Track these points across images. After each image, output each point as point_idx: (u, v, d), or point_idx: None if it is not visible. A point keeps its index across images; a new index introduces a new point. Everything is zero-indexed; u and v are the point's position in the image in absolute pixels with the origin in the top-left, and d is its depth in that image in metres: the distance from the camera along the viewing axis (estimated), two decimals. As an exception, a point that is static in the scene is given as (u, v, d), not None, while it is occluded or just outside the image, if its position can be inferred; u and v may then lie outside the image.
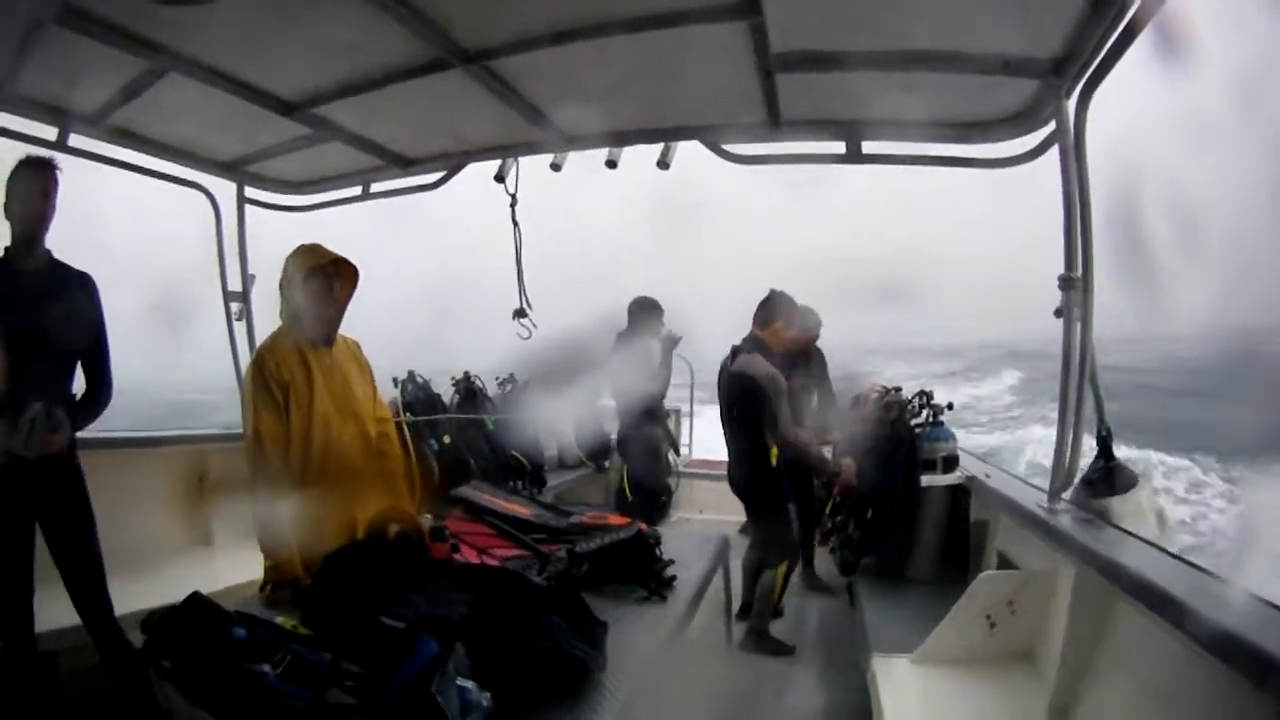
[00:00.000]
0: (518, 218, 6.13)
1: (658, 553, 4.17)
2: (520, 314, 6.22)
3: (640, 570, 4.05)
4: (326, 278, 4.22)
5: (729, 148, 5.29)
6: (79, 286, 4.02)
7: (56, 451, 3.73)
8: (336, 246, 4.26)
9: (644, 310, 7.44)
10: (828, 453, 6.61)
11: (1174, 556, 3.46)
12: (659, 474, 8.03)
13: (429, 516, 4.23)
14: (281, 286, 4.25)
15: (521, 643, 2.92)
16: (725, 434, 6.41)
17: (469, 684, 2.61)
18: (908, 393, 6.53)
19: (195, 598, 2.85)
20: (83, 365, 4.04)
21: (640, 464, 7.86)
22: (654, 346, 7.52)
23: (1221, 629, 2.46)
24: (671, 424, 9.72)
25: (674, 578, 4.14)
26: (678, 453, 9.55)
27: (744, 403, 6.00)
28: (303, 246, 4.24)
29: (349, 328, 4.47)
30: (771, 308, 6.24)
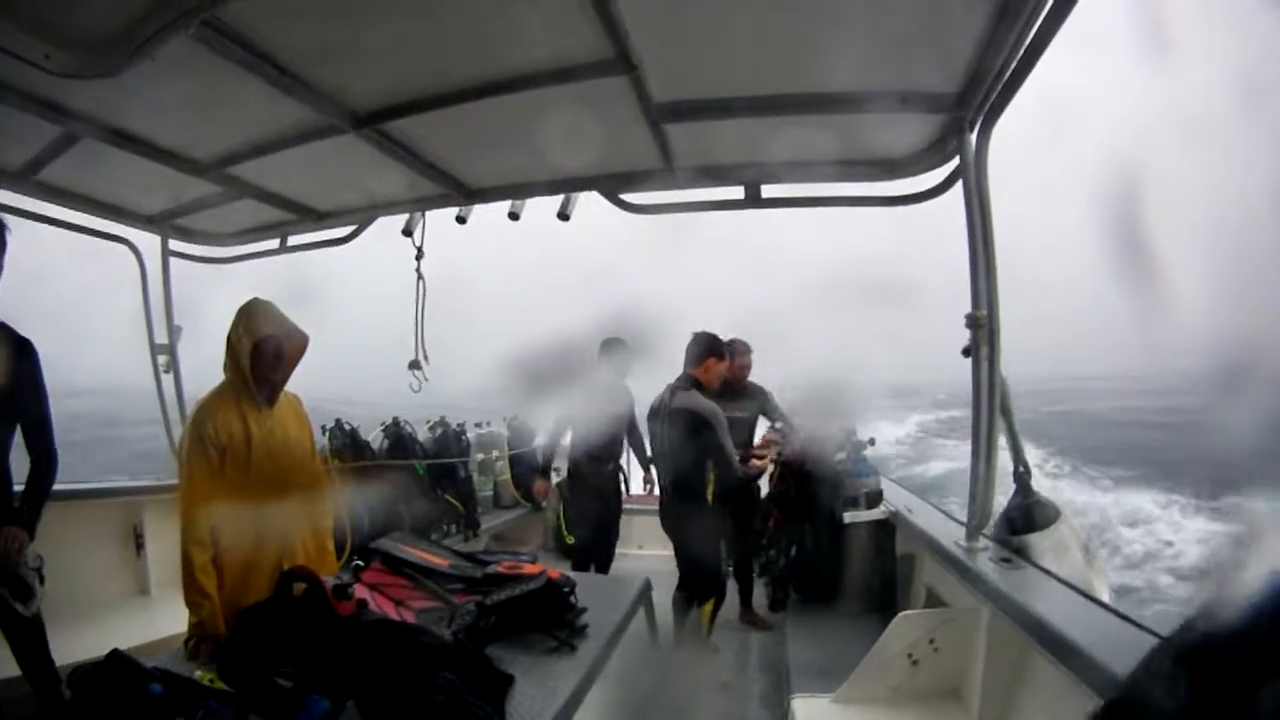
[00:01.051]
0: (422, 271, 6.22)
1: (571, 600, 4.17)
2: (415, 365, 6.24)
3: (550, 619, 4.04)
4: (277, 344, 4.20)
5: (627, 197, 5.36)
6: (20, 352, 3.98)
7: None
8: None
9: (612, 350, 7.40)
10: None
11: (1090, 599, 3.53)
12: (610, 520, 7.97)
13: (356, 563, 4.24)
14: (228, 342, 4.22)
15: (416, 698, 2.93)
16: (658, 469, 6.55)
17: (360, 741, 2.64)
18: (830, 430, 6.57)
19: (115, 655, 2.91)
20: (24, 434, 4.01)
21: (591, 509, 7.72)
22: (621, 386, 7.49)
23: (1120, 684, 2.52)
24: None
25: (585, 626, 4.13)
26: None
27: (689, 437, 6.02)
28: (257, 307, 4.22)
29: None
30: (701, 347, 6.32)
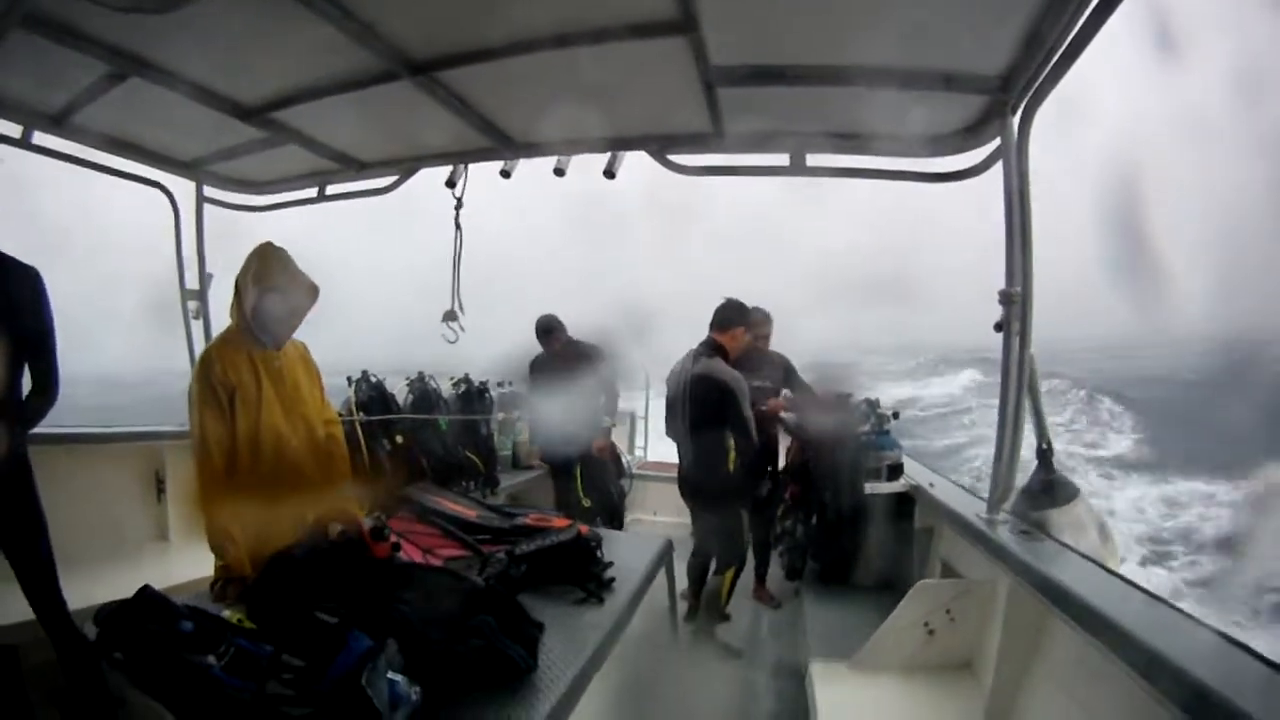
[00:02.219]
0: (461, 221, 6.19)
1: (598, 555, 4.21)
2: (450, 316, 6.22)
3: (579, 572, 4.10)
4: (283, 296, 4.17)
5: (674, 158, 5.37)
6: (24, 280, 3.89)
7: None
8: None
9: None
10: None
11: (1109, 572, 3.53)
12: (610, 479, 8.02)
13: (377, 515, 4.26)
14: (238, 285, 4.20)
15: (453, 640, 2.97)
16: (678, 436, 6.43)
17: (399, 677, 2.68)
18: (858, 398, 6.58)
19: (145, 592, 2.94)
20: (29, 362, 3.92)
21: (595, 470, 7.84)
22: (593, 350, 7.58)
23: (1147, 648, 2.53)
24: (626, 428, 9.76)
25: (613, 579, 4.18)
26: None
27: (710, 405, 6.05)
28: (268, 252, 4.18)
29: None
30: (730, 313, 6.30)
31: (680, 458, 6.52)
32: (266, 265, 4.16)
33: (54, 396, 4.02)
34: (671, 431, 6.49)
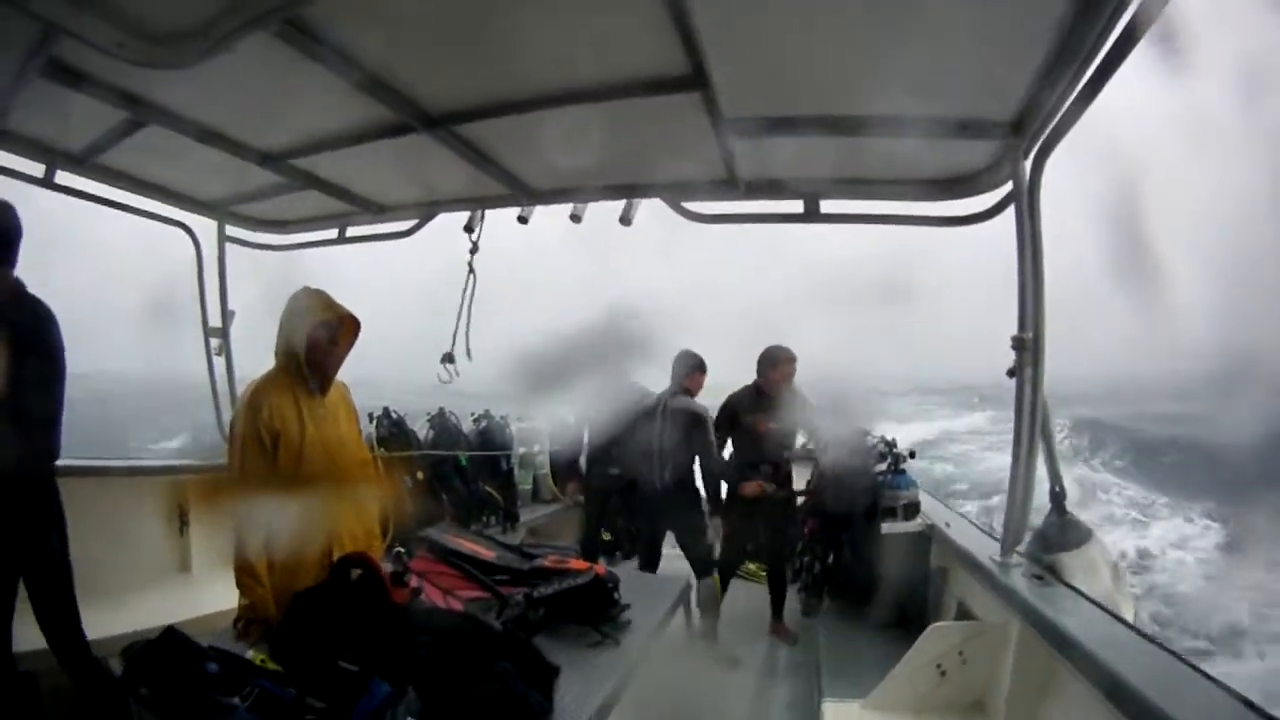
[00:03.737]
0: (473, 265, 6.28)
1: (615, 596, 4.23)
2: (449, 359, 6.26)
3: (595, 614, 4.11)
4: (331, 331, 4.20)
5: (689, 206, 5.43)
6: (40, 319, 3.98)
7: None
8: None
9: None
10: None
11: (1119, 620, 3.57)
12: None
13: (398, 553, 4.31)
14: (281, 328, 4.22)
15: (471, 685, 3.01)
16: (642, 463, 7.07)
17: (418, 723, 2.73)
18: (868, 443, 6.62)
19: (171, 632, 2.97)
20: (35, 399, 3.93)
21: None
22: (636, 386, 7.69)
23: (1149, 703, 2.57)
24: None
25: (629, 622, 4.21)
26: None
27: (687, 431, 6.87)
28: (309, 294, 4.22)
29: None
30: (689, 362, 7.24)
31: (642, 482, 7.12)
32: (312, 304, 4.19)
33: (56, 442, 4.11)
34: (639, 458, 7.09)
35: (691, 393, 7.21)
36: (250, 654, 3.18)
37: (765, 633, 7.14)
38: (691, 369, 7.23)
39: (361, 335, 4.35)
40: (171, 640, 2.95)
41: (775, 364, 7.00)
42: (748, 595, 7.59)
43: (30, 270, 3.95)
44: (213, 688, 2.81)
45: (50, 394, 4.05)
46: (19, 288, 3.93)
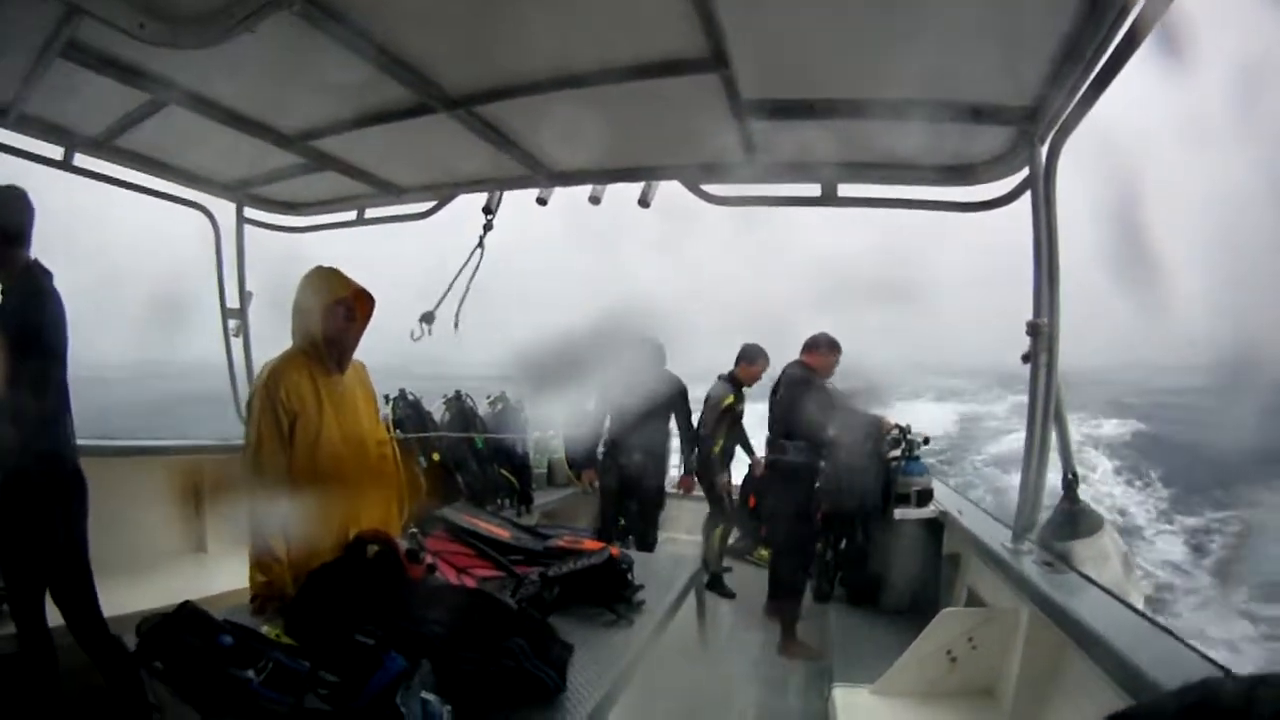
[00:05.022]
0: (485, 241, 6.33)
1: (629, 577, 4.24)
2: (428, 318, 6.31)
3: (609, 594, 4.14)
4: (347, 309, 4.19)
5: (707, 188, 5.42)
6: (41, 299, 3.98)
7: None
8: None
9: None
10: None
11: (1128, 607, 3.56)
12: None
13: (413, 533, 4.33)
14: (297, 308, 4.22)
15: (486, 661, 3.03)
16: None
17: (432, 697, 2.74)
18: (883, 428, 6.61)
19: (186, 606, 3.02)
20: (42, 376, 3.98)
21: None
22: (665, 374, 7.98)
23: (1158, 687, 2.58)
24: None
25: (642, 602, 4.22)
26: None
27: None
28: (322, 272, 4.21)
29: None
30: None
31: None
32: (327, 282, 4.19)
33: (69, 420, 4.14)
34: None
35: (739, 381, 8.06)
36: (265, 628, 3.23)
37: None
38: (737, 359, 8.08)
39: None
40: (186, 613, 2.99)
41: (825, 354, 7.06)
42: (759, 581, 7.55)
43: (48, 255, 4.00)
44: (227, 660, 2.85)
45: (61, 372, 4.08)
46: (33, 269, 3.97)
